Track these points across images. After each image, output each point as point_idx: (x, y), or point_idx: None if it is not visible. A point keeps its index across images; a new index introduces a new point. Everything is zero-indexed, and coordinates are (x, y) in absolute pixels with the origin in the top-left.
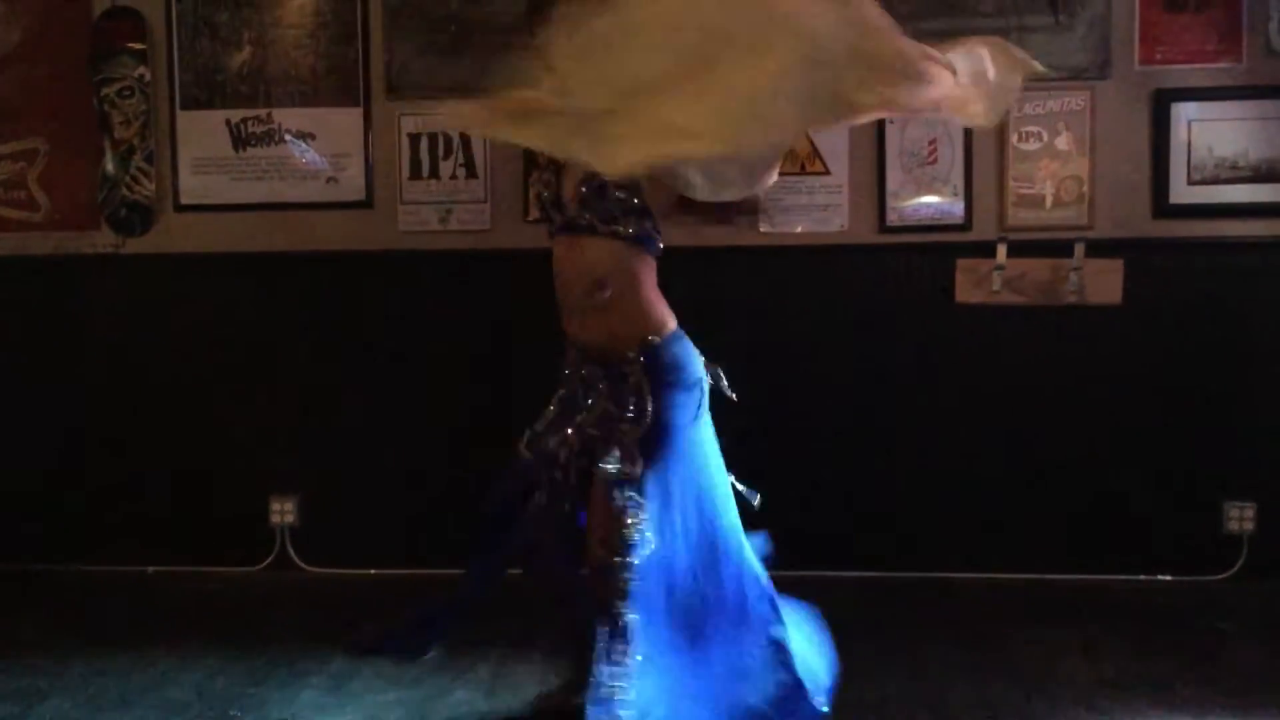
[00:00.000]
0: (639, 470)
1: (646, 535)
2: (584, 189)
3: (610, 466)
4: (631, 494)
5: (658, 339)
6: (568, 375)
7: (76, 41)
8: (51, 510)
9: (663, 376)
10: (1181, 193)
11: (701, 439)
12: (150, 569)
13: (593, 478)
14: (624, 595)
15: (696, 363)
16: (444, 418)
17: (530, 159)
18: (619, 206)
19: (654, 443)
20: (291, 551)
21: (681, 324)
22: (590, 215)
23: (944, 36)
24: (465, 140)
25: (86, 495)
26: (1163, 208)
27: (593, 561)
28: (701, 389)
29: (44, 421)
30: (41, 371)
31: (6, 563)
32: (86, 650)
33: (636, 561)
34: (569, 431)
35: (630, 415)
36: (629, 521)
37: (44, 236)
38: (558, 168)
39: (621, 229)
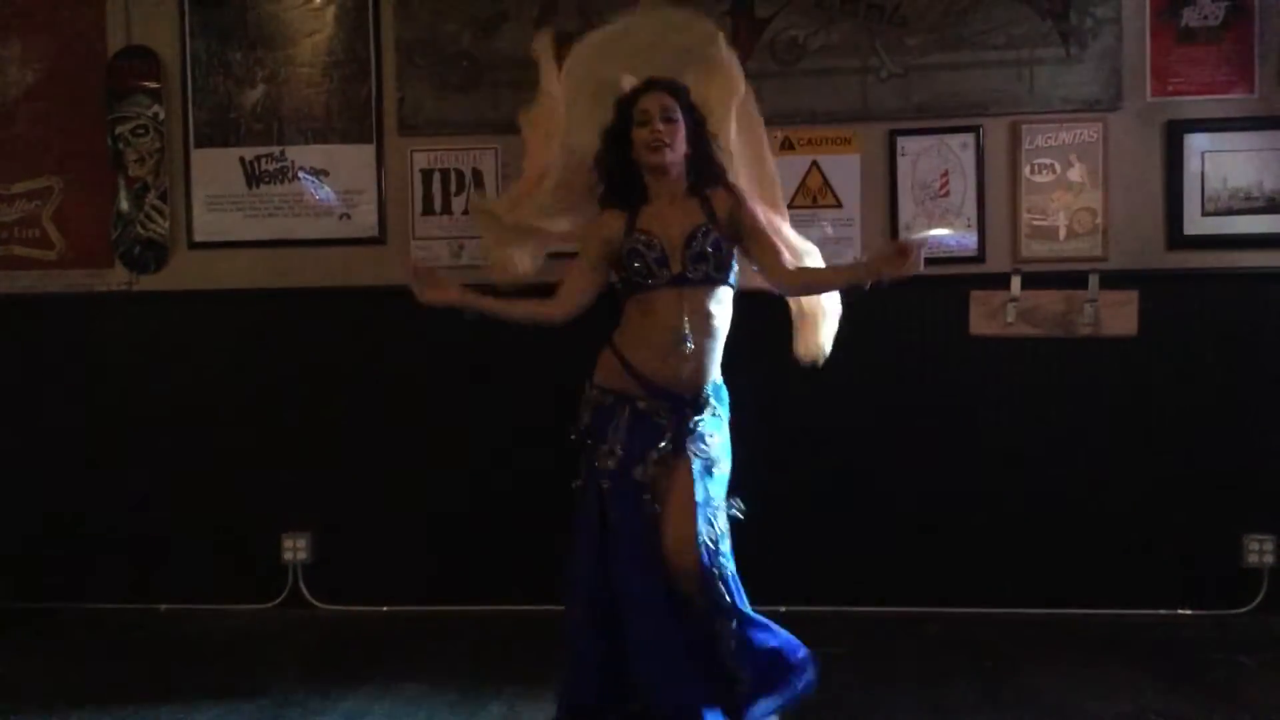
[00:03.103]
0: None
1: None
2: (693, 245)
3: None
4: (718, 501)
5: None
6: (615, 410)
7: (91, 80)
8: (63, 547)
9: (725, 405)
10: (1196, 224)
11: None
12: (163, 607)
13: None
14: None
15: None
16: (457, 453)
17: None
18: (726, 259)
19: (723, 460)
20: (304, 588)
21: None
22: (705, 268)
23: (956, 69)
24: (477, 175)
25: (98, 532)
26: (1177, 239)
27: (685, 566)
28: None
29: (57, 457)
30: (55, 408)
31: (18, 600)
32: (98, 689)
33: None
34: (653, 458)
35: (709, 438)
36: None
37: (58, 274)
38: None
39: (730, 278)
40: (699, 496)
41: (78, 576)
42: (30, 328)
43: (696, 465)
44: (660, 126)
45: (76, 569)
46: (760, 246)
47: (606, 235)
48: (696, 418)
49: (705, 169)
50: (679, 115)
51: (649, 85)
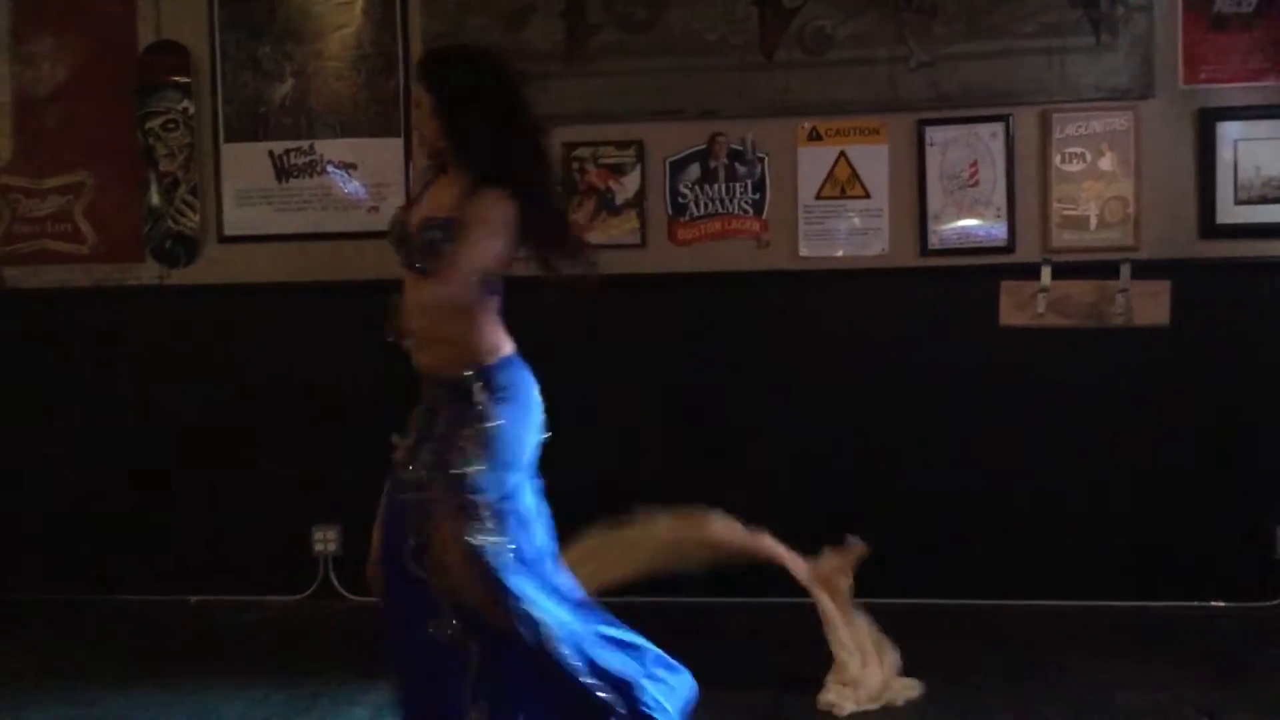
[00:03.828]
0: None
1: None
2: (423, 234)
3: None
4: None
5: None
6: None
7: (122, 75)
8: (94, 540)
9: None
10: (1228, 212)
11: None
12: (193, 599)
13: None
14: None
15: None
16: None
17: (570, 188)
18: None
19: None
20: (334, 580)
21: (718, 348)
22: (428, 258)
23: (985, 57)
24: None
25: (128, 525)
26: (1210, 228)
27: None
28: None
29: (88, 451)
30: (86, 401)
31: (49, 593)
32: (128, 681)
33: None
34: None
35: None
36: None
37: (90, 268)
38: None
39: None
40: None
41: (107, 568)
42: (63, 321)
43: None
44: (416, 114)
45: (105, 561)
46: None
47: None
48: (463, 407)
49: (468, 162)
50: (428, 104)
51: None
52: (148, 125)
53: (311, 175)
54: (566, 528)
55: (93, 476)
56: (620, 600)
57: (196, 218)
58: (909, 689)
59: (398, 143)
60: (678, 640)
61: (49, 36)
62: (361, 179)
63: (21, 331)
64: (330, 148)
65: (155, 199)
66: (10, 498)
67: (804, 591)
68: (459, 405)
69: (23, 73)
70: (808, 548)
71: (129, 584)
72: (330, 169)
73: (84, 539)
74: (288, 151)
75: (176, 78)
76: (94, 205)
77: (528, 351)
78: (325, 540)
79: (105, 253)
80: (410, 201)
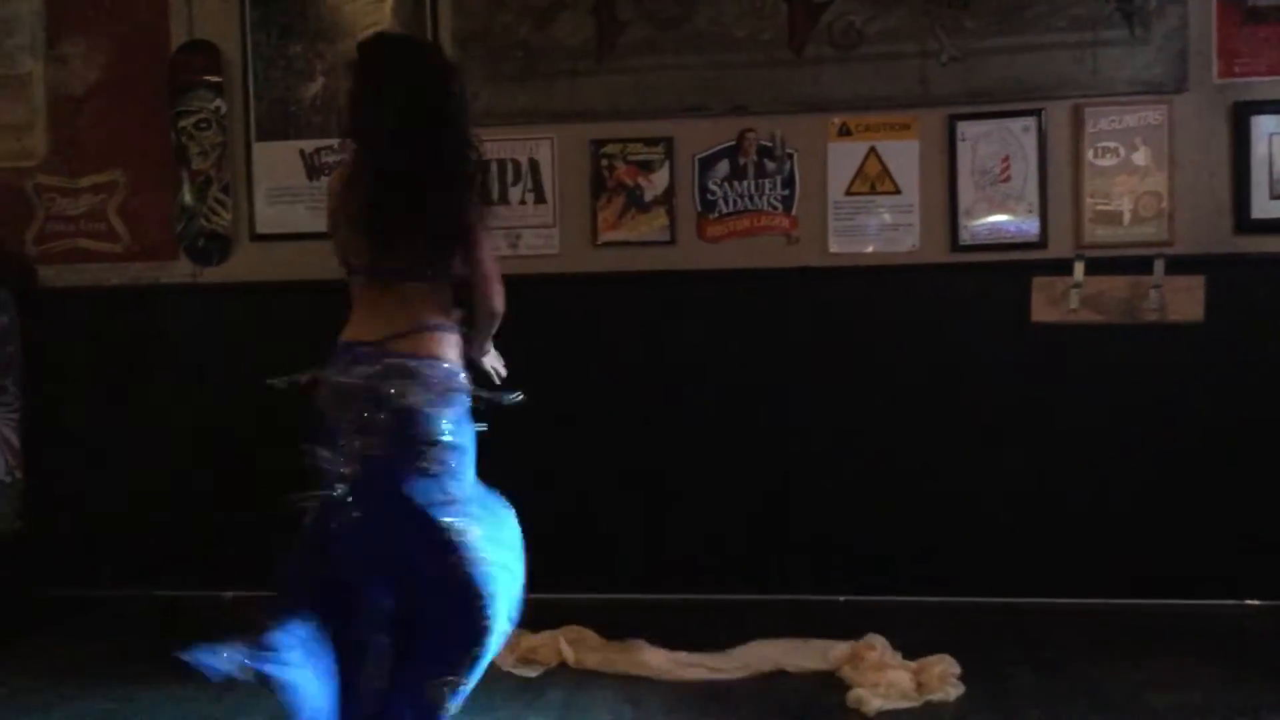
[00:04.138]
0: None
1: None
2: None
3: None
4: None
5: None
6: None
7: (154, 75)
8: (130, 536)
9: None
10: (1264, 207)
11: None
12: (229, 594)
13: None
14: None
15: None
16: (515, 440)
17: (598, 185)
18: None
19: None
20: None
21: (747, 345)
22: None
23: (1017, 51)
24: (534, 166)
25: (165, 521)
26: (1244, 223)
27: None
28: None
29: (123, 448)
30: (120, 399)
31: (87, 588)
32: (163, 676)
33: None
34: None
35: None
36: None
37: (123, 267)
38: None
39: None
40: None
41: (143, 565)
42: (96, 319)
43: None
44: None
45: (142, 557)
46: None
47: None
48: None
49: None
50: None
51: None
52: (180, 124)
53: None
54: (595, 520)
55: (126, 472)
56: (651, 597)
57: (229, 216)
58: (945, 689)
59: None
60: (710, 634)
61: (82, 37)
62: None
63: (56, 330)
64: None
65: (188, 198)
66: (46, 495)
67: (838, 589)
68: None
69: (56, 73)
70: (837, 546)
71: (166, 579)
72: None
73: (120, 535)
74: (318, 150)
75: (208, 77)
76: (127, 204)
77: (558, 348)
78: None
79: (138, 251)
80: None
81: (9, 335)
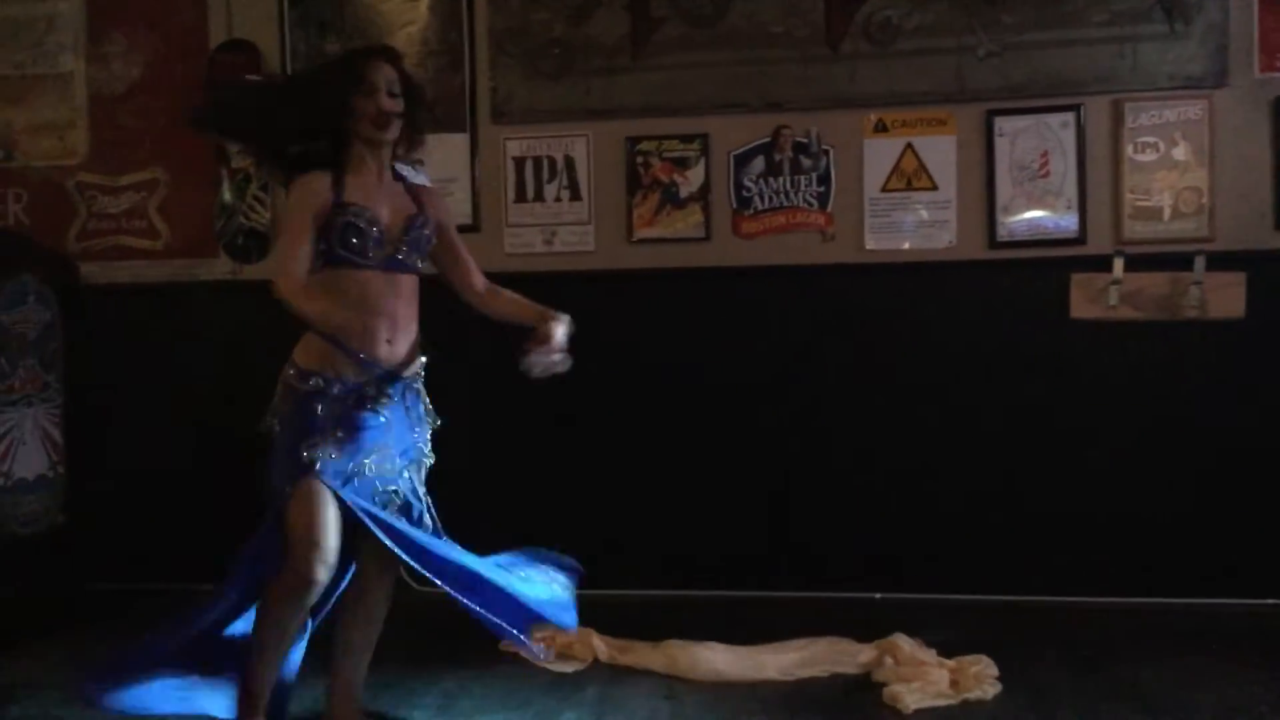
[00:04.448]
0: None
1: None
2: (411, 233)
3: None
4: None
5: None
6: (324, 397)
7: (194, 73)
8: (168, 531)
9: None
10: None
11: None
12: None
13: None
14: None
15: None
16: (550, 437)
17: (633, 182)
18: (428, 251)
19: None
20: (401, 571)
21: (783, 342)
22: (416, 256)
23: (1056, 46)
24: (569, 163)
25: (203, 517)
26: None
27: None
28: None
29: (163, 443)
30: (161, 395)
31: (128, 582)
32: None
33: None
34: (388, 445)
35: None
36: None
37: (163, 264)
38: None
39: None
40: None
41: (181, 559)
42: (137, 316)
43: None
44: (387, 101)
45: (180, 552)
46: (454, 258)
47: (318, 202)
48: (420, 404)
49: (411, 148)
50: (399, 90)
51: (377, 52)
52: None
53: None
54: (626, 515)
55: (167, 468)
56: (702, 594)
57: (268, 214)
58: (983, 688)
59: (463, 138)
60: (749, 630)
61: (122, 36)
62: (428, 173)
63: (98, 326)
64: None
65: (227, 195)
66: (89, 489)
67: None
68: (414, 393)
69: (98, 72)
70: (874, 542)
71: (206, 573)
72: (396, 164)
73: (161, 529)
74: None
75: (248, 75)
76: (167, 202)
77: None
78: None
79: (179, 248)
80: (340, 197)
81: (52, 332)
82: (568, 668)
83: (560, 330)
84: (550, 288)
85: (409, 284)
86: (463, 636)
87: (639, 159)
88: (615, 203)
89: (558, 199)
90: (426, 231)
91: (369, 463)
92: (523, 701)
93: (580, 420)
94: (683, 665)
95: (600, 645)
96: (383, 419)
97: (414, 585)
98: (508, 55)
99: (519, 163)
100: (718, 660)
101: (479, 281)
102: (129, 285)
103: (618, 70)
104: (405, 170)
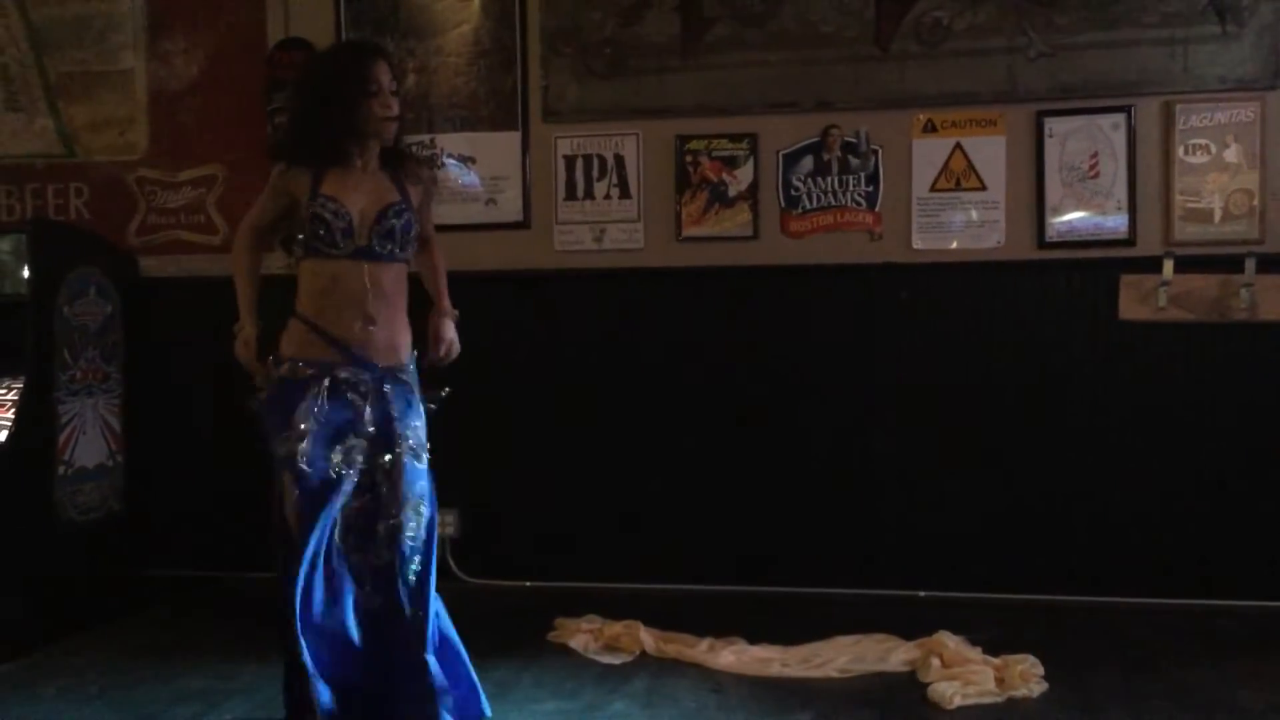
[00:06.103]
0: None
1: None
2: (384, 222)
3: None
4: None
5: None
6: (307, 386)
7: (251, 72)
8: (230, 522)
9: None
10: None
11: None
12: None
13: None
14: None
15: None
16: (599, 432)
17: (682, 180)
18: (410, 239)
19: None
20: (452, 563)
21: (831, 341)
22: (392, 245)
23: (1107, 47)
24: (619, 161)
25: (255, 507)
26: None
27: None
28: None
29: (221, 437)
30: (218, 388)
31: (184, 569)
32: (260, 656)
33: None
34: (370, 430)
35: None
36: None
37: (222, 258)
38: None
39: (408, 257)
40: (414, 488)
41: (241, 550)
42: (197, 308)
43: (408, 451)
44: (390, 99)
45: (240, 542)
46: (428, 252)
47: (294, 191)
48: (406, 394)
49: (400, 143)
50: (397, 88)
51: (374, 51)
52: (277, 120)
53: (431, 168)
54: (672, 511)
55: (225, 461)
56: (745, 590)
57: None
58: (1029, 686)
59: (515, 136)
60: (796, 628)
61: (182, 35)
62: (479, 172)
63: (157, 319)
64: (450, 141)
65: None
66: (146, 482)
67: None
68: (404, 386)
69: (157, 70)
70: (925, 539)
71: (260, 564)
72: (448, 161)
73: (217, 520)
74: (409, 145)
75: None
76: (225, 197)
77: (642, 341)
78: (443, 524)
79: None
80: (315, 189)
81: (113, 324)
82: (615, 660)
83: (448, 329)
84: (600, 284)
85: (390, 274)
86: (513, 627)
87: (688, 158)
88: (664, 201)
89: (607, 197)
90: (401, 221)
91: (339, 449)
92: (573, 692)
93: (631, 416)
94: (728, 659)
95: (647, 638)
96: (356, 407)
97: (464, 577)
98: (559, 55)
99: (569, 161)
100: (763, 655)
101: (440, 270)
102: (187, 279)
103: (668, 70)
104: (453, 167)
